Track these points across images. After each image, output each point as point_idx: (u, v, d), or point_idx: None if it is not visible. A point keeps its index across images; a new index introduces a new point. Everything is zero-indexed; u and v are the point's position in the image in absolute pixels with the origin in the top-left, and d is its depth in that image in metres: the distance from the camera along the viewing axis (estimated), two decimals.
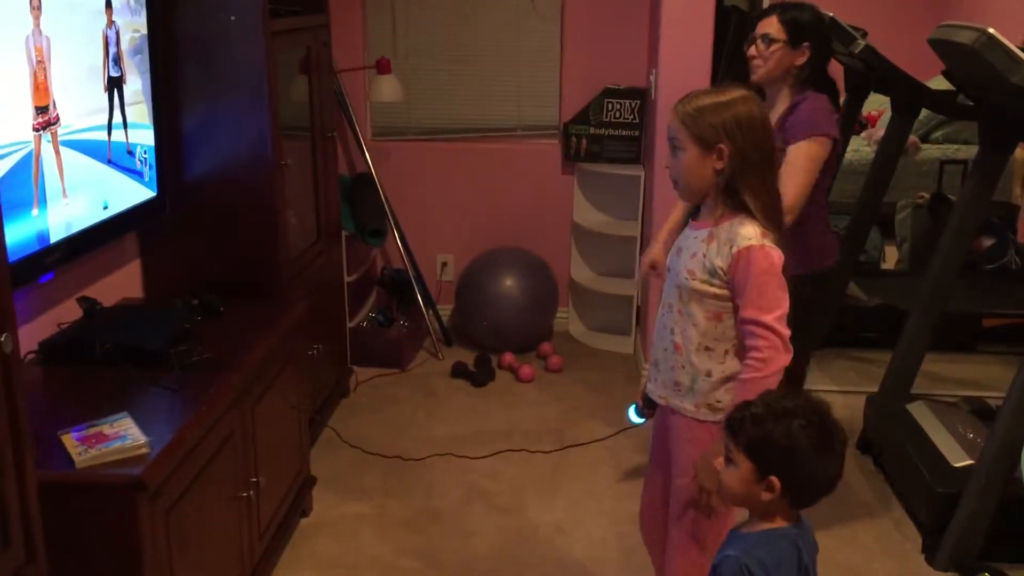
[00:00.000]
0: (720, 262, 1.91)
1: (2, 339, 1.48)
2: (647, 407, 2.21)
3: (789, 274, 2.30)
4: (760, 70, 2.62)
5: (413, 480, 3.34)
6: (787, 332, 1.89)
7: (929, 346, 3.56)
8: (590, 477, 3.36)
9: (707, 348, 1.97)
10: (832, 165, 2.66)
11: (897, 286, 4.70)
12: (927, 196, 5.23)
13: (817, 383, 4.18)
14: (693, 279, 1.96)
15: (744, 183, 1.88)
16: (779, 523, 1.67)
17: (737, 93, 1.91)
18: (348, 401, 3.95)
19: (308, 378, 3.25)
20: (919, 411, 3.28)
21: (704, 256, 1.94)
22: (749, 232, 1.89)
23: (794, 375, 2.23)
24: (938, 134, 6.39)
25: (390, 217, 4.38)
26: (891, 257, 5.46)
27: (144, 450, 1.98)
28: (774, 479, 1.61)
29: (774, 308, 1.89)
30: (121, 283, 3.02)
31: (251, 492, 2.50)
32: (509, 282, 4.34)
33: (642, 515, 2.31)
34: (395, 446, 3.56)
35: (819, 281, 2.71)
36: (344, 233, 3.97)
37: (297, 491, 2.99)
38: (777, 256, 1.90)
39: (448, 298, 4.61)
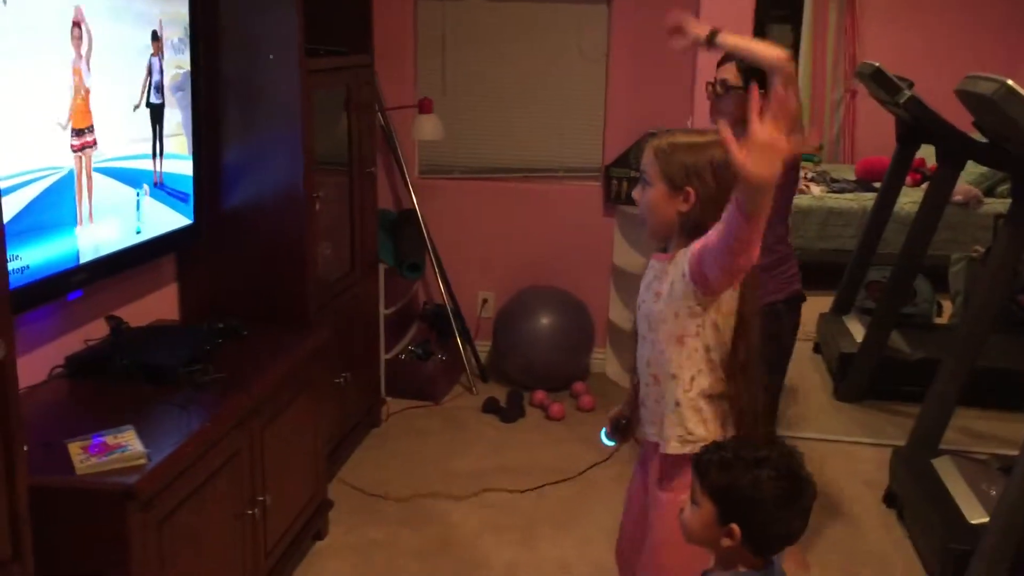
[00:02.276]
0: (684, 268, 1.86)
1: None
2: (616, 431, 2.22)
3: (764, 302, 2.29)
4: (716, 113, 2.81)
5: (429, 510, 3.39)
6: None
7: (962, 401, 3.48)
8: (604, 514, 3.36)
9: (673, 376, 1.93)
10: (790, 191, 2.77)
11: (943, 340, 4.58)
12: (981, 250, 5.12)
13: (851, 434, 4.11)
14: (658, 301, 1.93)
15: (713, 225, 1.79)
16: (740, 569, 1.64)
17: (716, 136, 1.80)
18: (378, 431, 4.03)
19: (331, 405, 3.35)
20: (943, 466, 3.21)
21: (668, 274, 1.91)
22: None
23: (767, 410, 2.20)
24: (1003, 188, 6.26)
25: (431, 253, 4.47)
26: (948, 311, 5.34)
27: (142, 461, 2.08)
28: (735, 527, 1.58)
29: None
30: (157, 305, 3.16)
31: (256, 510, 2.58)
32: (546, 320, 4.38)
33: (619, 542, 2.29)
34: (416, 476, 3.62)
35: (793, 304, 2.82)
36: (383, 266, 4.07)
37: (311, 514, 3.06)
38: None
39: (487, 334, 4.67)
